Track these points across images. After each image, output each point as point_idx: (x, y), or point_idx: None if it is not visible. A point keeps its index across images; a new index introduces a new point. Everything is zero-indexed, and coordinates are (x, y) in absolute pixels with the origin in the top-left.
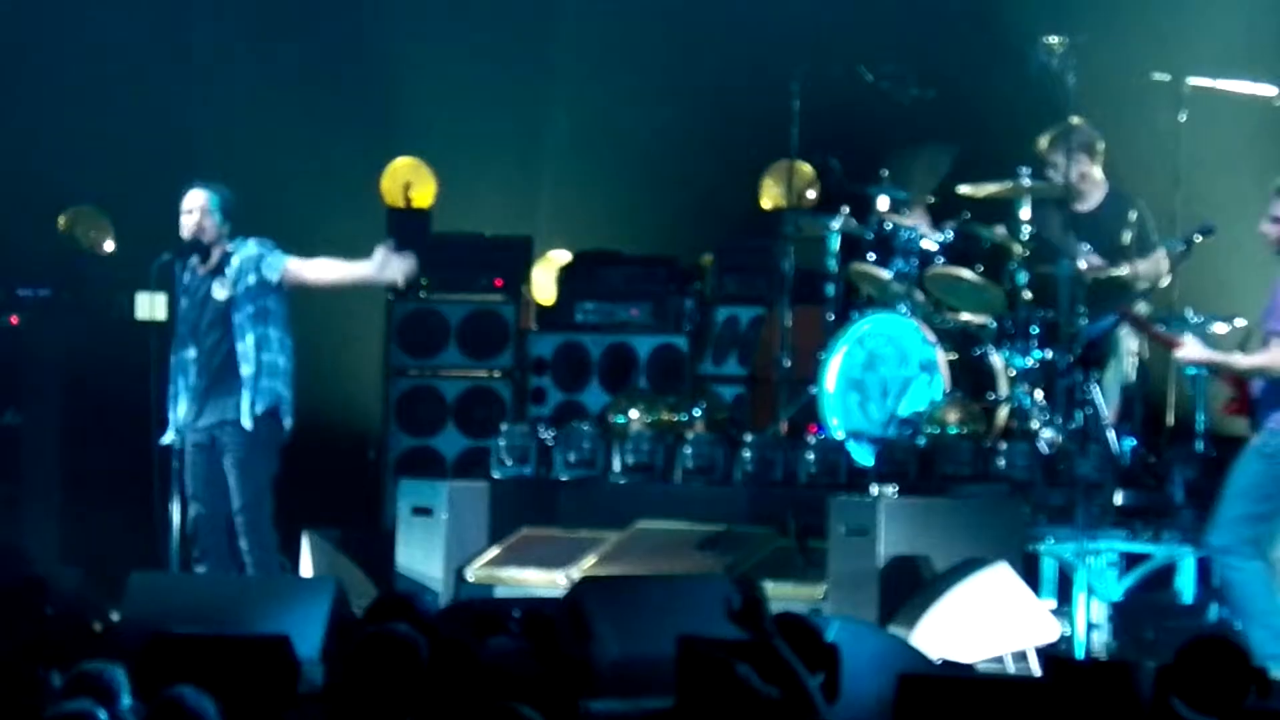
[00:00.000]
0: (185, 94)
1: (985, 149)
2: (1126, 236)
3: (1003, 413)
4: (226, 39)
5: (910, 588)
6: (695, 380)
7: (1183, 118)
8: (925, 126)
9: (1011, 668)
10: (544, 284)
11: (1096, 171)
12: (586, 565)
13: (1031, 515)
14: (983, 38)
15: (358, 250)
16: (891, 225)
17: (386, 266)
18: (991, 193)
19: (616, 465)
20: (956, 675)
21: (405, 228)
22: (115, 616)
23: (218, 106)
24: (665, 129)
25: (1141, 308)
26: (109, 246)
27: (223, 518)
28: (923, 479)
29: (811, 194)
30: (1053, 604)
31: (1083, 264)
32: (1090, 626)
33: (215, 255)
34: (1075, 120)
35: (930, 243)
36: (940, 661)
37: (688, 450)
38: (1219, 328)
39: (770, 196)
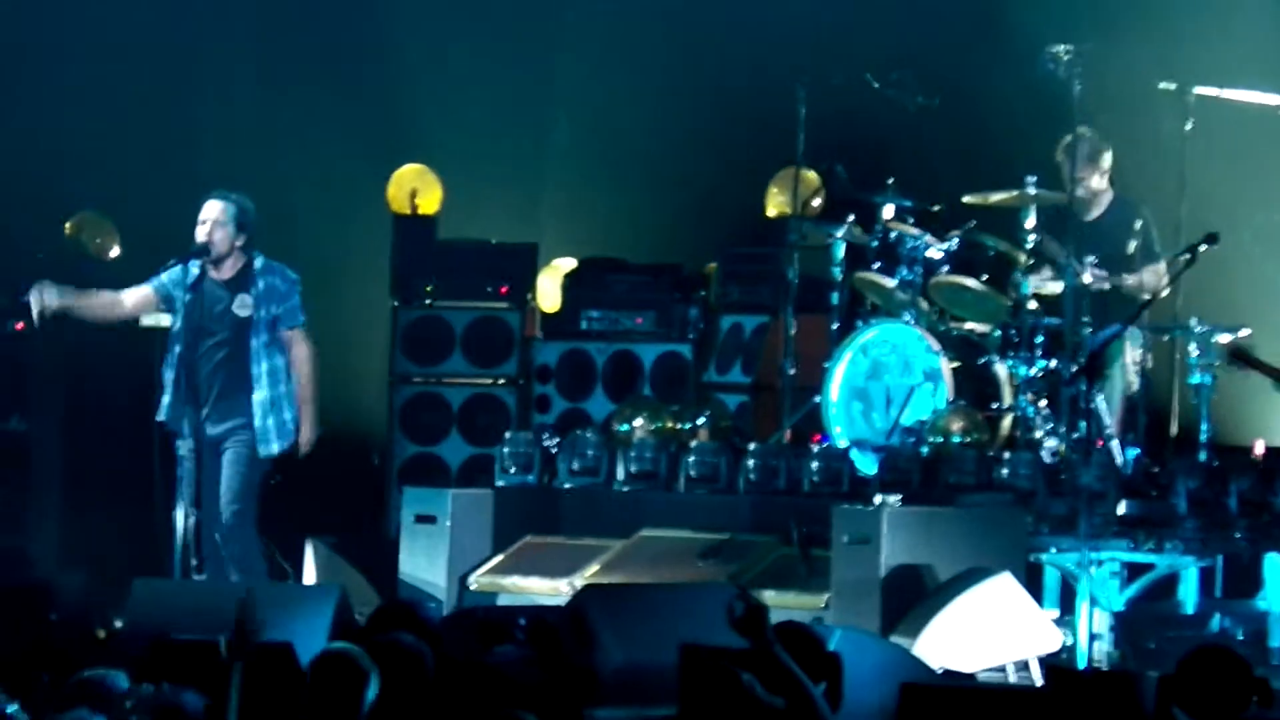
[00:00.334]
0: (192, 100)
1: (990, 157)
2: (1131, 245)
3: (1006, 422)
4: (233, 45)
5: (913, 597)
6: (699, 388)
7: (1188, 126)
8: (931, 134)
9: (1014, 677)
10: (549, 291)
11: (1101, 181)
12: (590, 573)
13: (1034, 525)
14: (989, 45)
15: (363, 257)
16: (896, 234)
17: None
18: (996, 201)
19: (620, 473)
20: (959, 685)
21: (411, 235)
22: (118, 622)
23: (224, 113)
24: (670, 137)
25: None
26: (114, 252)
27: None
28: (926, 488)
29: (817, 202)
30: (1055, 614)
31: (1087, 276)
32: (1092, 636)
33: (232, 266)
34: (1083, 130)
35: (935, 251)
36: (942, 671)
37: (691, 458)
38: (1223, 337)
39: (775, 204)
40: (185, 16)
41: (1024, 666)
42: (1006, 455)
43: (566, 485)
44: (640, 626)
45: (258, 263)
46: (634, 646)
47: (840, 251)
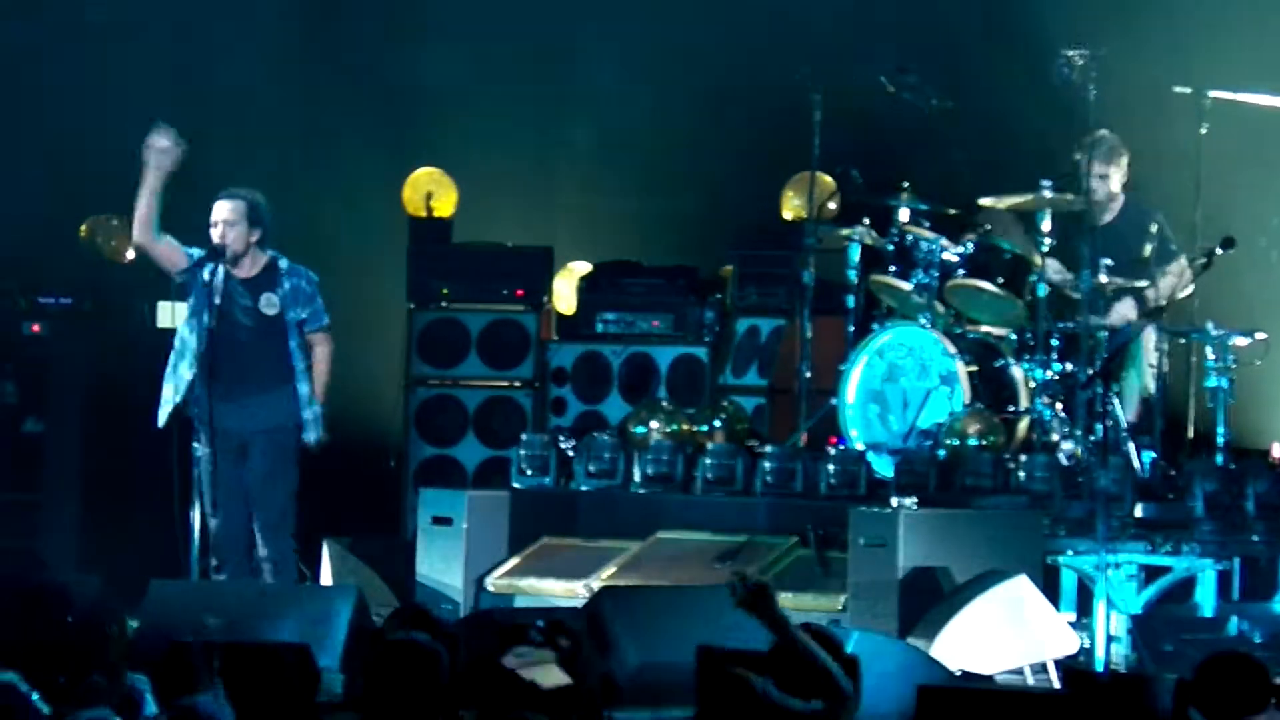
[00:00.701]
0: (207, 103)
1: (1006, 161)
2: (1146, 249)
3: (1023, 425)
4: (248, 49)
5: (930, 599)
6: (715, 391)
7: (1204, 130)
8: (946, 138)
9: (1031, 680)
10: (565, 294)
11: (1118, 183)
12: (606, 575)
13: (1051, 527)
14: (1004, 50)
15: (378, 260)
16: (912, 237)
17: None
18: (1012, 205)
19: (636, 476)
20: (976, 687)
21: (427, 238)
22: (134, 624)
23: (240, 115)
24: (686, 139)
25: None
26: (130, 255)
27: (243, 527)
28: (942, 491)
29: (832, 205)
30: (1072, 616)
31: (1102, 278)
32: (1109, 639)
33: (252, 263)
34: (1103, 132)
35: (950, 254)
36: (960, 673)
37: (708, 461)
38: (1239, 341)
39: (791, 208)
40: (202, 18)
41: (1041, 669)
42: (1023, 458)
43: (583, 487)
44: (657, 628)
45: (283, 264)
46: (650, 648)
47: (856, 255)
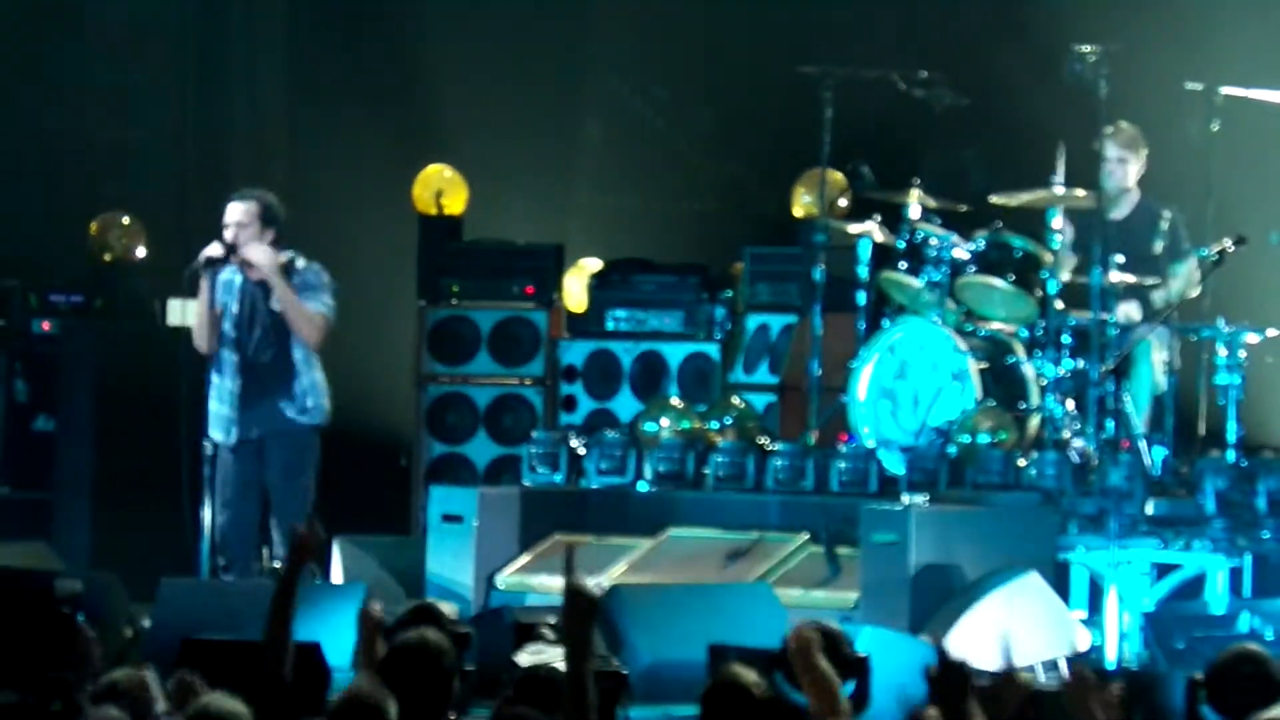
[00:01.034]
0: (218, 100)
1: (1017, 157)
2: (1158, 246)
3: (1034, 422)
4: (259, 46)
5: (941, 596)
6: (726, 388)
7: (1215, 127)
8: (957, 135)
9: (1042, 677)
10: (575, 291)
11: (1134, 177)
12: (617, 573)
13: (1062, 524)
14: (1015, 46)
15: (389, 258)
16: (923, 234)
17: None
18: (1024, 202)
19: (647, 473)
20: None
21: (437, 235)
22: (146, 622)
23: (250, 113)
24: (696, 136)
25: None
26: (141, 253)
27: (252, 527)
28: (954, 488)
29: (843, 202)
30: (1083, 613)
31: (1113, 275)
32: (1121, 636)
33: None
34: (1124, 124)
35: (961, 251)
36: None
37: (718, 458)
38: (1250, 338)
39: (802, 205)
40: (213, 18)
41: (1052, 666)
42: (1034, 455)
43: (593, 485)
44: (668, 626)
45: (299, 263)
46: (661, 646)
47: (867, 251)
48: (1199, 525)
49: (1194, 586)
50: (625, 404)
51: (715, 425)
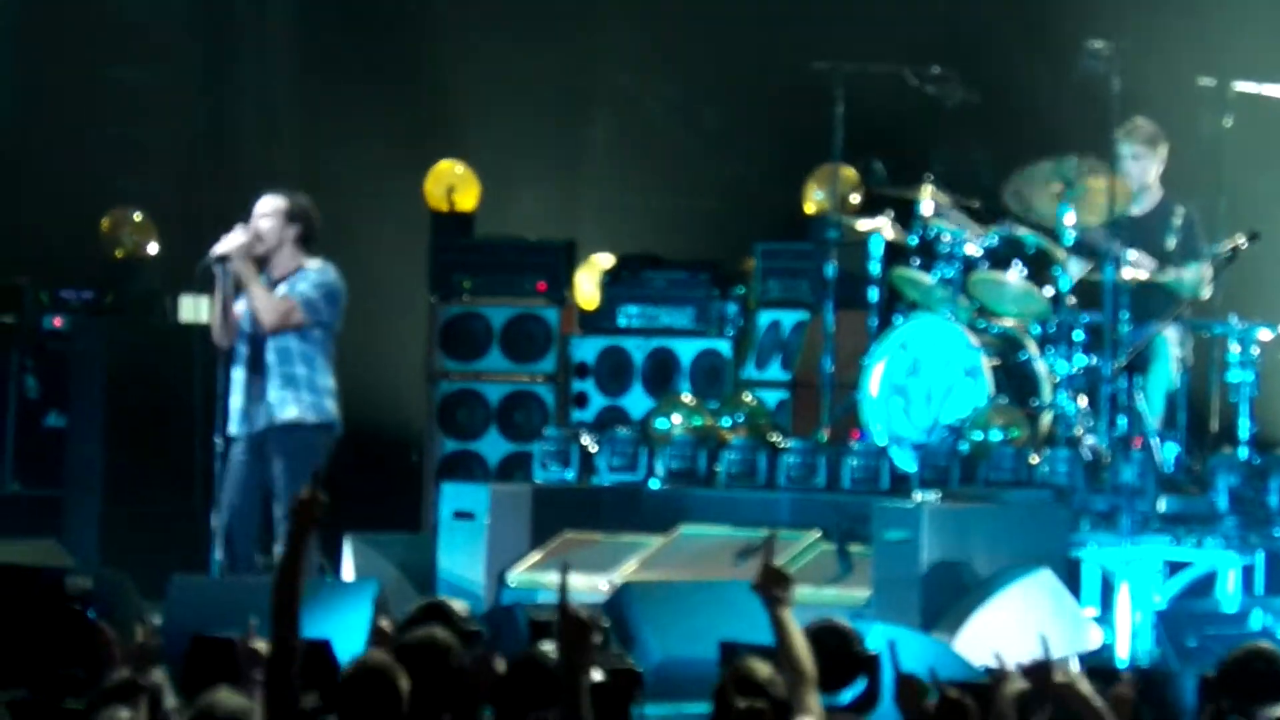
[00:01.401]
0: (230, 97)
1: (1029, 153)
2: (1172, 242)
3: (1046, 418)
4: (271, 43)
5: (953, 593)
6: (738, 385)
7: (1228, 123)
8: (969, 131)
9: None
10: (587, 288)
11: (1154, 174)
12: (628, 570)
13: (1074, 521)
14: (1027, 42)
15: (400, 254)
16: (935, 230)
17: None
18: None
19: (659, 470)
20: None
21: (448, 231)
22: (157, 620)
23: (262, 109)
24: (708, 132)
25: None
26: (153, 249)
27: (254, 524)
28: (966, 485)
29: (855, 198)
30: (1095, 611)
31: (1127, 272)
32: (1133, 633)
33: (288, 262)
34: (1142, 120)
35: (974, 247)
36: (983, 668)
37: (730, 455)
38: (1263, 335)
39: (813, 201)
40: (225, 14)
41: (1064, 663)
42: (1046, 452)
43: (605, 482)
44: (679, 623)
45: (312, 264)
46: (673, 643)
47: (879, 248)
48: (1211, 522)
49: (1206, 584)
50: (637, 401)
51: (727, 422)
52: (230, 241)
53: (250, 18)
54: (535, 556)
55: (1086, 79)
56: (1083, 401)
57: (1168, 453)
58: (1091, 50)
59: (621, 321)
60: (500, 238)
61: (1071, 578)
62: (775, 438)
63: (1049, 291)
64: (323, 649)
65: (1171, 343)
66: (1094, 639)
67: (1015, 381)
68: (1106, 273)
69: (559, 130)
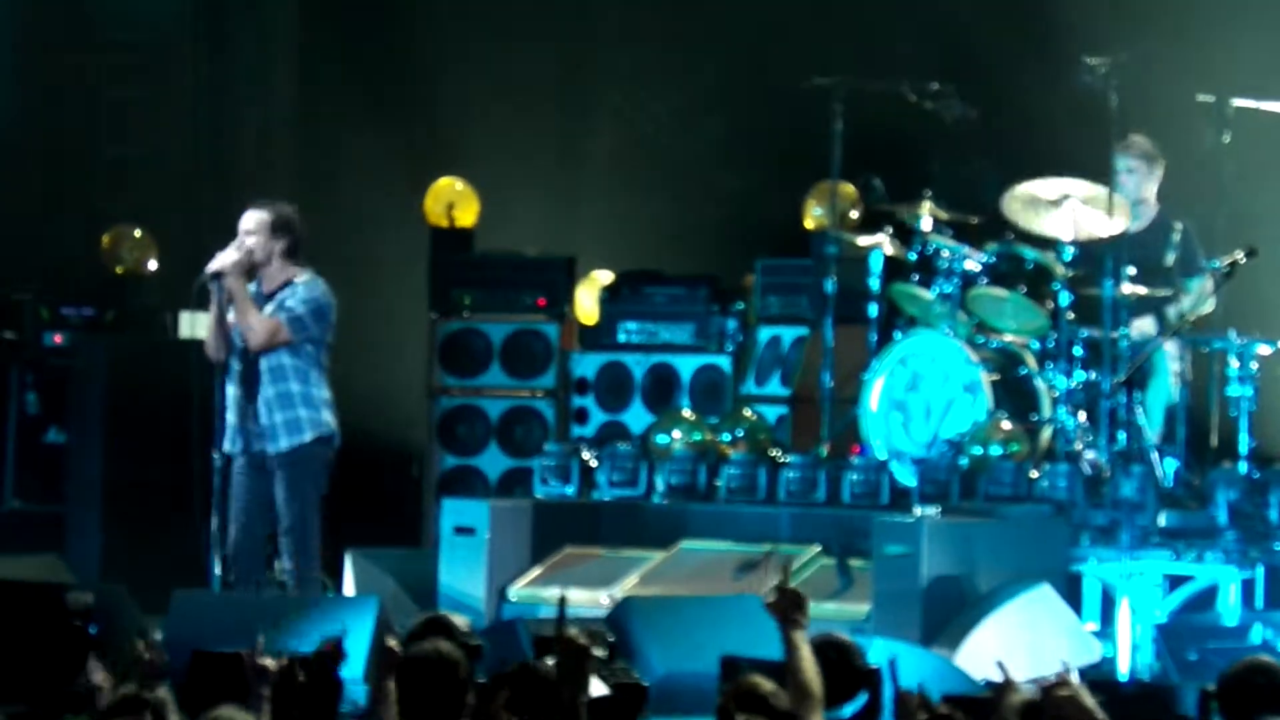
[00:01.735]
0: (230, 114)
1: (1028, 169)
2: (1170, 257)
3: (1046, 433)
4: (270, 60)
5: (953, 608)
6: (738, 400)
7: (1227, 139)
8: (969, 146)
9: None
10: (586, 304)
11: (1151, 190)
12: (629, 585)
13: (1074, 536)
14: (1026, 57)
15: (400, 270)
16: (934, 245)
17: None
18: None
19: (659, 485)
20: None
21: (448, 247)
22: (158, 634)
23: (262, 126)
24: (707, 148)
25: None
26: (152, 265)
27: (259, 540)
28: (965, 500)
29: (854, 214)
30: (1095, 625)
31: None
32: (1133, 648)
33: (277, 275)
34: (1140, 137)
35: (973, 263)
36: (984, 682)
37: (730, 470)
38: (1262, 350)
39: (813, 216)
40: (223, 31)
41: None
42: (1046, 467)
43: (605, 497)
44: (680, 638)
45: (302, 277)
46: (674, 658)
47: (878, 263)
48: (1211, 537)
49: (1206, 598)
50: (637, 416)
51: (727, 437)
52: (224, 258)
53: (249, 35)
54: (536, 572)
55: (1085, 95)
56: (1082, 416)
57: (1168, 467)
58: (1090, 66)
59: (621, 337)
60: (500, 254)
61: (1072, 592)
62: (775, 453)
63: (1048, 307)
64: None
65: (1170, 357)
66: (1095, 653)
67: (1015, 397)
68: (1105, 289)
69: (559, 146)
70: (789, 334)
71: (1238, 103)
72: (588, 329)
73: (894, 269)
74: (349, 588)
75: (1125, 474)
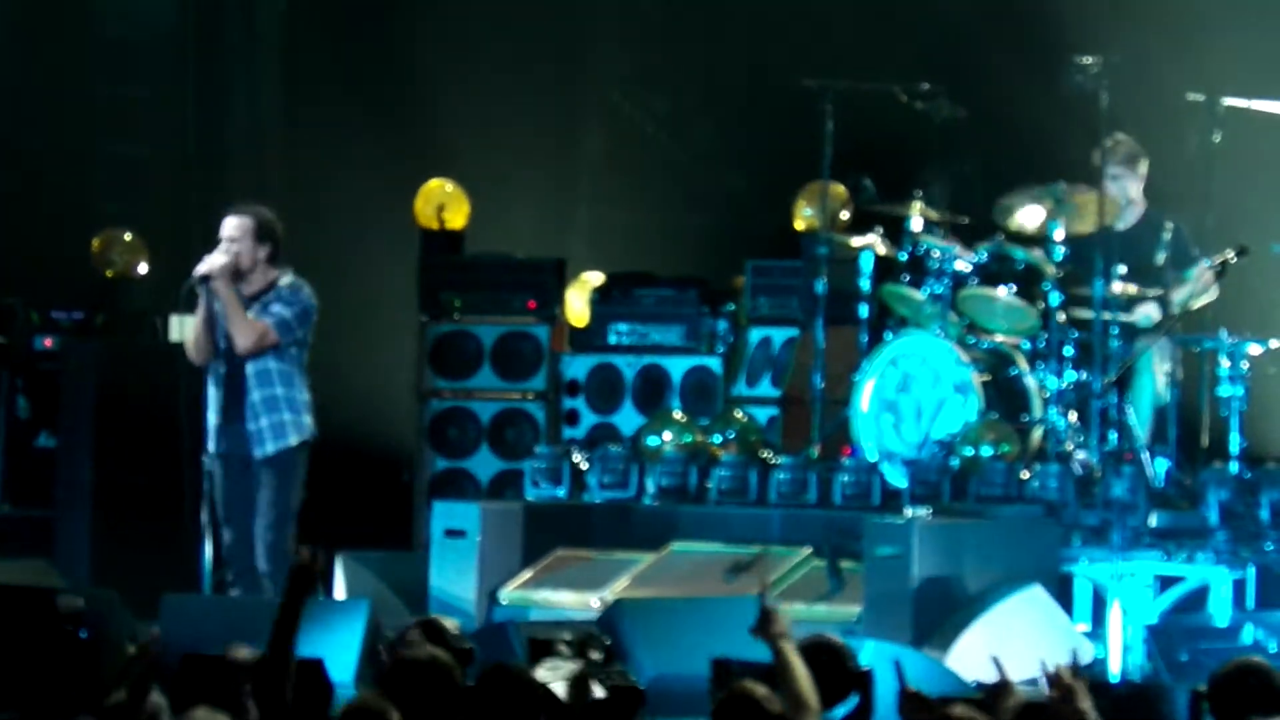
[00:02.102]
0: (219, 116)
1: (1018, 169)
2: (1161, 256)
3: (1036, 434)
4: (260, 62)
5: (944, 609)
6: (728, 402)
7: (1217, 138)
8: (959, 147)
9: (1046, 690)
10: (577, 306)
11: (1137, 189)
12: (620, 587)
13: (1065, 537)
14: (1016, 57)
15: (390, 273)
16: (925, 246)
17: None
18: (1030, 221)
19: (650, 487)
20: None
21: (438, 250)
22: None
23: (251, 128)
24: (698, 149)
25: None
26: (142, 269)
27: (251, 541)
28: (956, 500)
29: (845, 215)
30: (1086, 626)
31: (1116, 286)
32: (1124, 648)
33: (260, 279)
34: (1121, 136)
35: (963, 264)
36: (975, 683)
37: (721, 472)
38: (1253, 349)
39: (803, 217)
40: (213, 35)
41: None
42: (1037, 467)
43: (596, 499)
44: (670, 640)
45: (285, 280)
46: (664, 660)
47: (869, 264)
48: (1202, 537)
49: (1197, 599)
50: (627, 418)
51: (717, 439)
52: (212, 262)
53: (240, 38)
54: (527, 574)
55: (1075, 95)
56: (1073, 416)
57: (1159, 468)
58: (1080, 66)
59: (612, 339)
60: (490, 256)
61: (1063, 593)
62: (766, 454)
63: (1039, 306)
64: (315, 668)
65: (1157, 357)
66: (1086, 654)
67: (1005, 397)
68: (1096, 288)
69: (549, 148)
70: (779, 335)
71: (1228, 102)
72: (578, 331)
73: (884, 270)
74: (339, 591)
75: (1116, 474)
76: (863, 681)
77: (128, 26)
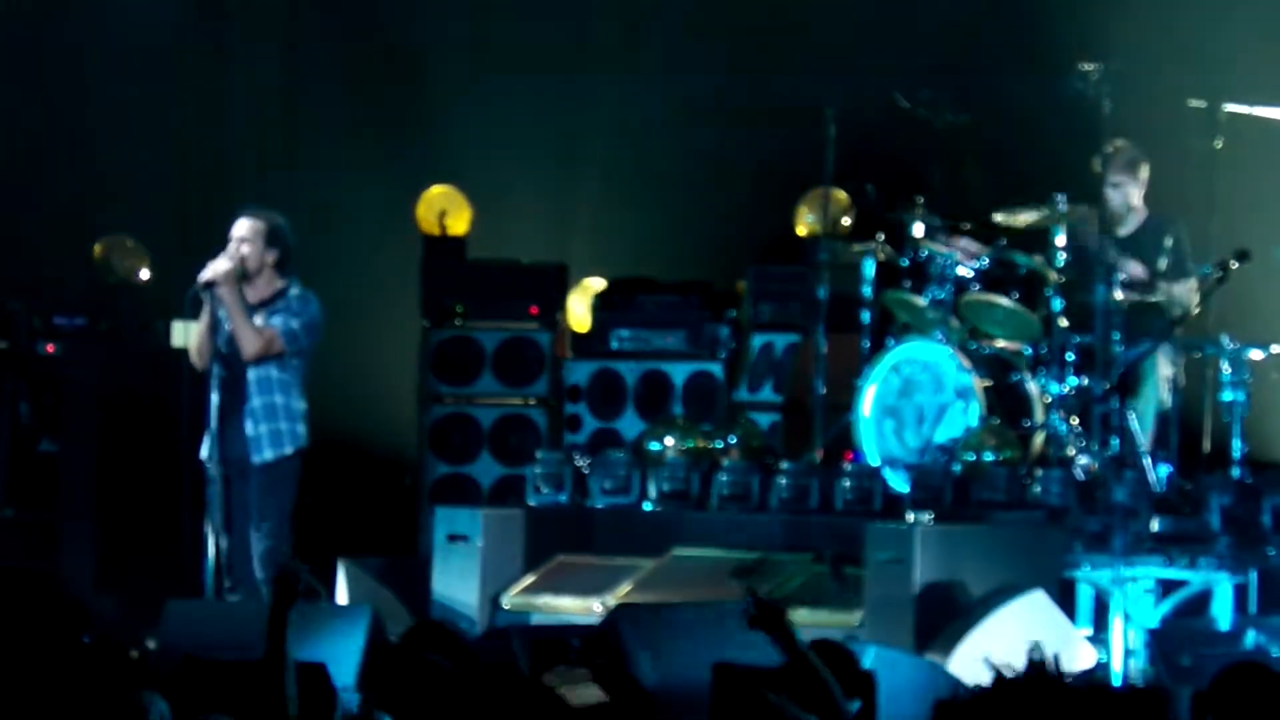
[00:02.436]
0: (221, 121)
1: (1020, 175)
2: (1162, 262)
3: (1038, 439)
4: (262, 66)
5: (946, 615)
6: (730, 407)
7: (1219, 144)
8: (961, 153)
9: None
10: (579, 311)
11: (1138, 195)
12: (622, 592)
13: (1067, 542)
14: (1018, 64)
15: (392, 278)
16: (927, 252)
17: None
18: (1027, 221)
19: (652, 492)
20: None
21: (441, 255)
22: (152, 644)
23: (254, 133)
24: (700, 155)
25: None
26: (144, 275)
27: (249, 546)
28: (958, 506)
29: (847, 220)
30: (1089, 631)
31: (1124, 280)
32: (1126, 653)
33: (266, 285)
34: (1121, 142)
35: (965, 269)
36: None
37: (723, 478)
38: (1254, 354)
39: (805, 223)
40: (216, 38)
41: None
42: (1039, 472)
43: (598, 505)
44: (672, 645)
45: (293, 290)
46: (666, 665)
47: (871, 270)
48: (1204, 542)
49: (1199, 603)
50: (630, 423)
51: (720, 444)
52: (217, 267)
53: (243, 44)
54: (529, 579)
55: (1077, 101)
56: (1075, 422)
57: (1160, 473)
58: (1082, 72)
59: (614, 344)
60: (492, 261)
61: (1065, 598)
62: (768, 460)
63: (1041, 313)
64: (318, 672)
65: (1160, 362)
66: (1088, 659)
67: (1007, 402)
68: (1098, 293)
69: (551, 154)
70: (782, 340)
71: (1229, 108)
72: (580, 336)
73: (886, 275)
74: (341, 596)
75: (1118, 479)
76: (866, 685)
77: (130, 33)
